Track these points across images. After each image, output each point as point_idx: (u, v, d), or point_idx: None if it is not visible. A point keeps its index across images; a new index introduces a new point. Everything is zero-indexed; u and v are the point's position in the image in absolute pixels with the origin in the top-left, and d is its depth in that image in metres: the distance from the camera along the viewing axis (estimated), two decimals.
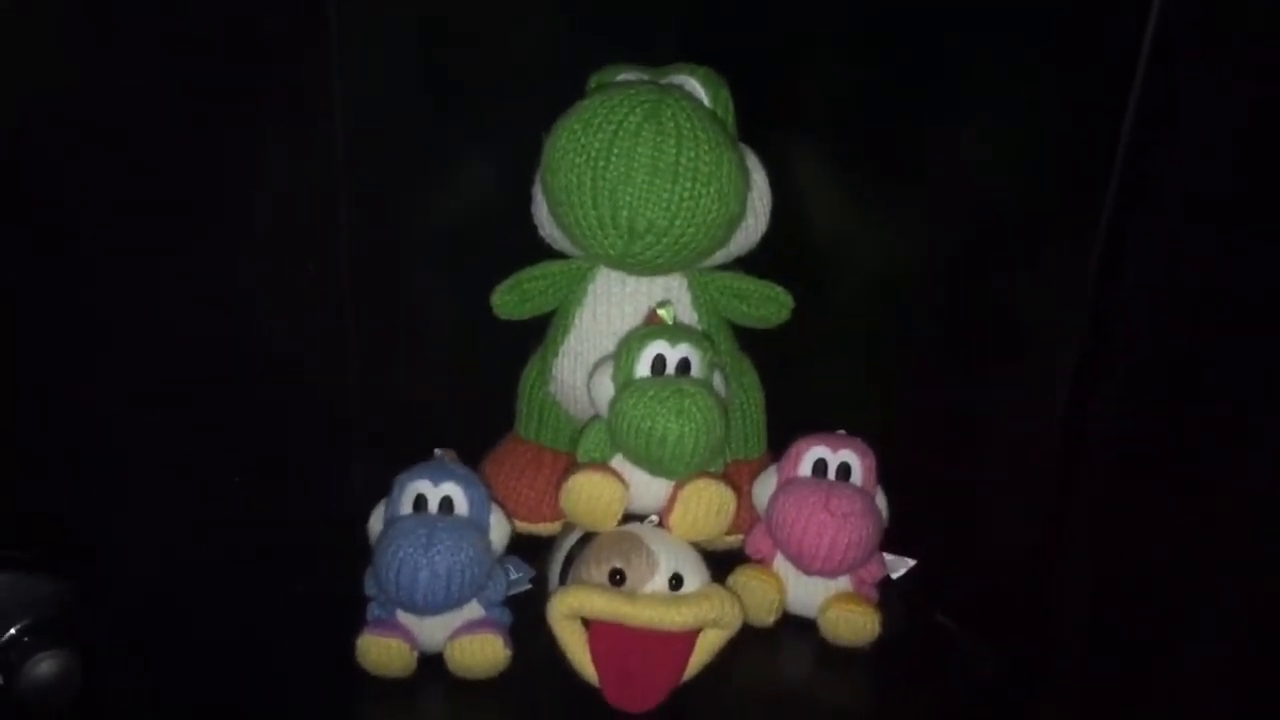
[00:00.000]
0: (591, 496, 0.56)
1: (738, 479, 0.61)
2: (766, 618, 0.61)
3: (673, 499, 0.57)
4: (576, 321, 0.64)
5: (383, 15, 0.63)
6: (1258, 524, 0.52)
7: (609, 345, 0.61)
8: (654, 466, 0.56)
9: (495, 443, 0.70)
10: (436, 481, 0.56)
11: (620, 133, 0.57)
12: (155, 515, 0.61)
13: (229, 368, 0.62)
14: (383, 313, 0.68)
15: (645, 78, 0.63)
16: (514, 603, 0.58)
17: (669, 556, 0.55)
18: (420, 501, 0.56)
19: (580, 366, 0.63)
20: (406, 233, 0.68)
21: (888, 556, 0.62)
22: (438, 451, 0.59)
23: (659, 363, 0.57)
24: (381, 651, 0.55)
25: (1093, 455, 0.57)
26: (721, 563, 0.60)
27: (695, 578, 0.55)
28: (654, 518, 0.58)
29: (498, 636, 0.55)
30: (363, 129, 0.63)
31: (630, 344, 0.58)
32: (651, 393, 0.55)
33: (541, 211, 0.64)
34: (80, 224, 0.56)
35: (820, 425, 0.63)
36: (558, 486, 0.58)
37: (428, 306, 0.71)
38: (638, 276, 0.63)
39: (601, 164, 0.57)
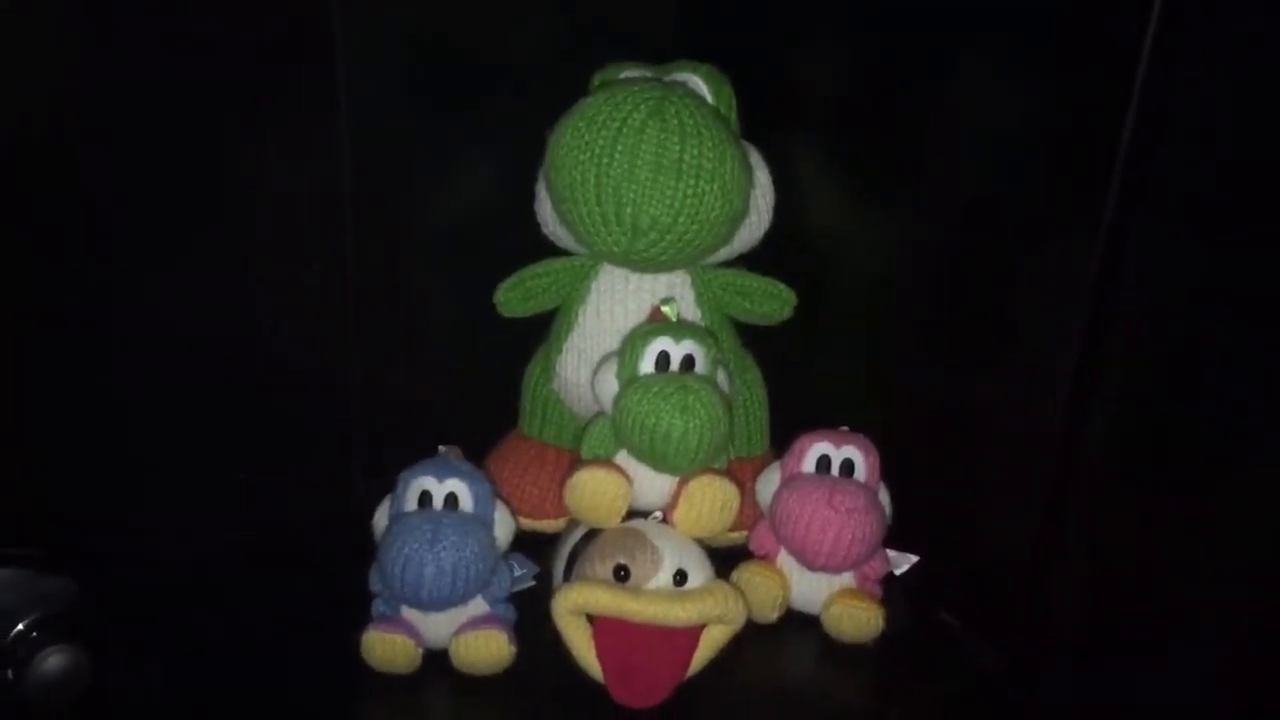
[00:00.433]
0: (596, 493, 0.56)
1: (741, 476, 0.61)
2: (770, 614, 0.61)
3: (677, 495, 0.57)
4: (580, 319, 0.64)
5: (385, 14, 0.63)
6: (1256, 523, 0.52)
7: (612, 342, 0.61)
8: (658, 463, 0.56)
9: (499, 440, 0.70)
10: (441, 478, 0.56)
11: (624, 130, 0.57)
12: (161, 511, 0.61)
13: (235, 366, 0.62)
14: (387, 310, 0.68)
15: (649, 75, 0.63)
16: (518, 599, 0.58)
17: (673, 553, 0.55)
18: (425, 498, 0.56)
19: (584, 364, 0.63)
20: (410, 230, 0.68)
21: (891, 553, 0.62)
22: (442, 448, 0.59)
23: (663, 359, 0.57)
24: (386, 648, 0.55)
25: (1092, 453, 0.57)
26: (725, 559, 0.60)
27: (699, 574, 0.55)
28: (658, 514, 0.58)
29: (502, 633, 0.55)
30: (366, 127, 0.63)
31: (634, 341, 0.58)
32: (656, 389, 0.55)
33: (545, 209, 0.64)
34: (84, 222, 0.56)
35: (822, 422, 0.63)
36: (561, 483, 0.58)
37: (431, 304, 0.70)
38: (641, 274, 0.63)
39: (605, 161, 0.57)
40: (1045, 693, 0.63)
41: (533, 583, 0.60)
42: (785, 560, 0.62)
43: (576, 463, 0.58)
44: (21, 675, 0.47)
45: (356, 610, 0.57)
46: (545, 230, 0.65)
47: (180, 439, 0.61)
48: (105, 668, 0.49)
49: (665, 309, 0.60)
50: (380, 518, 0.58)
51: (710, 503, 0.56)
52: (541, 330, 0.67)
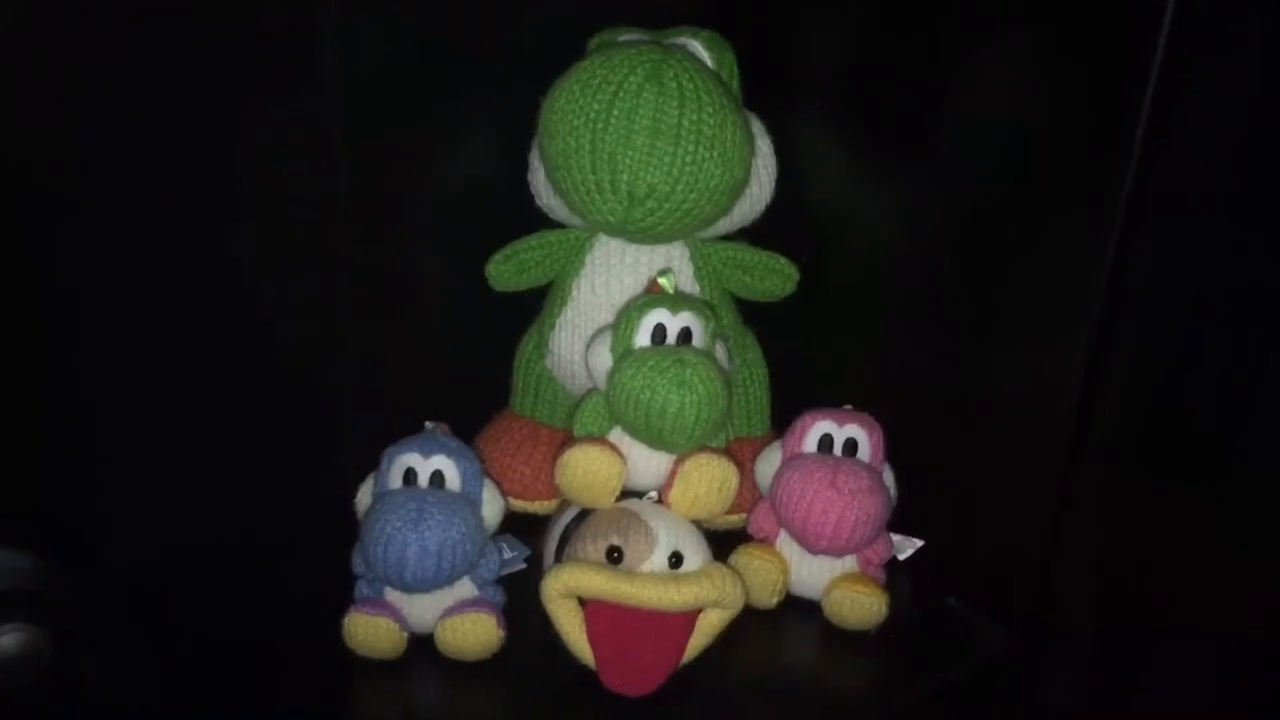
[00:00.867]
0: (588, 471, 0.55)
1: (740, 457, 0.61)
2: (769, 599, 0.60)
3: (673, 474, 0.56)
4: (574, 293, 0.63)
5: None
6: (1264, 510, 0.52)
7: (608, 317, 0.60)
8: (653, 440, 0.55)
9: (490, 419, 0.70)
10: (427, 454, 0.56)
11: (620, 94, 0.57)
12: (144, 491, 0.61)
13: (224, 349, 0.62)
14: (376, 284, 0.67)
15: (647, 39, 0.62)
16: (508, 581, 0.58)
17: (668, 534, 0.55)
18: (410, 475, 0.55)
19: (578, 339, 0.63)
20: (400, 204, 0.68)
21: (895, 537, 0.62)
22: (429, 424, 0.59)
23: (659, 332, 0.57)
24: (369, 631, 0.54)
25: (1101, 438, 0.57)
26: (723, 542, 0.59)
27: (696, 556, 0.55)
28: (653, 494, 0.57)
29: (490, 616, 0.55)
30: (356, 99, 0.63)
31: (630, 312, 0.57)
32: (651, 363, 0.54)
33: (538, 179, 0.63)
34: (66, 203, 0.56)
35: (825, 403, 0.63)
36: (554, 464, 0.57)
37: (422, 278, 0.70)
38: (638, 245, 0.62)
39: (600, 126, 0.57)
40: (1052, 679, 0.63)
41: (523, 566, 0.60)
42: (785, 543, 0.61)
43: (569, 440, 0.58)
44: None
45: (339, 592, 0.56)
46: (539, 202, 0.65)
47: (164, 414, 0.61)
48: (69, 650, 0.48)
49: (662, 280, 0.59)
50: (363, 496, 0.57)
51: (707, 482, 0.56)
52: (535, 306, 0.67)
